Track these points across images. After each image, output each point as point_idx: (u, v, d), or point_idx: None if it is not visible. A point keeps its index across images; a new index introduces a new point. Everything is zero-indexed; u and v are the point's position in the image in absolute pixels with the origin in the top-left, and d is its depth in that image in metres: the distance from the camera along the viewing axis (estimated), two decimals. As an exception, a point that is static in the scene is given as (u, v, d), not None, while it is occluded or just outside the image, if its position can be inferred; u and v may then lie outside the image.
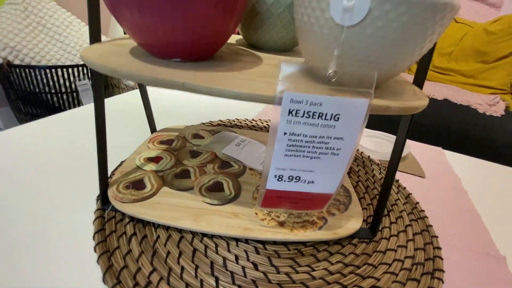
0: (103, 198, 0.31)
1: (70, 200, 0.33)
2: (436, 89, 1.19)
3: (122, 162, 0.40)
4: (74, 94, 1.39)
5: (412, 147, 0.61)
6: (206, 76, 0.22)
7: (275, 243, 0.30)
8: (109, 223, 0.30)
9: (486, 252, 0.34)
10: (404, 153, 0.55)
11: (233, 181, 0.36)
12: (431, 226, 0.36)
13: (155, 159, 0.38)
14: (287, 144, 0.21)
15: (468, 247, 0.34)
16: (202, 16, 0.21)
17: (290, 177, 0.24)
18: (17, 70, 1.23)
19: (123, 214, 0.31)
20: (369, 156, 0.53)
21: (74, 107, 1.41)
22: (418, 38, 0.18)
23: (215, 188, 0.34)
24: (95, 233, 0.28)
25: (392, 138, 0.60)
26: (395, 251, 0.31)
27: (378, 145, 0.59)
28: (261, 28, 0.31)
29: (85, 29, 1.52)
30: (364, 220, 0.35)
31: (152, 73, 0.21)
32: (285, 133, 0.21)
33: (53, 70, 1.28)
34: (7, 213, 0.30)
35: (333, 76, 0.19)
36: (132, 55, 0.25)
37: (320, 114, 0.20)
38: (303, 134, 0.21)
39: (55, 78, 1.31)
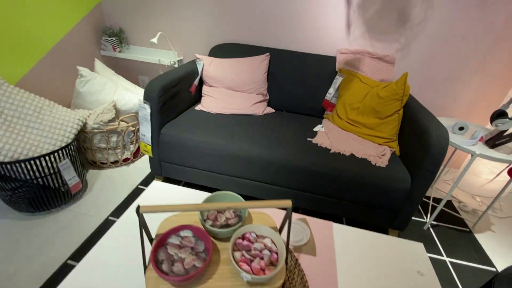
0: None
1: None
2: (346, 142, 1.65)
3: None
4: (57, 173, 1.58)
5: (311, 224, 1.01)
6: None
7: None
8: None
9: (330, 308, 0.75)
10: (306, 240, 0.95)
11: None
12: (309, 297, 0.77)
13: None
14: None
15: (323, 307, 0.75)
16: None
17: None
18: (7, 166, 1.40)
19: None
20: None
21: (57, 183, 1.61)
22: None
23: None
24: None
25: (302, 225, 1.00)
26: (289, 319, 0.71)
27: (295, 232, 0.98)
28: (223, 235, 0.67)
29: (55, 110, 1.69)
30: (278, 302, 0.74)
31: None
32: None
33: (37, 160, 1.47)
34: None
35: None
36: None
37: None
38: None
39: (38, 163, 1.50)
